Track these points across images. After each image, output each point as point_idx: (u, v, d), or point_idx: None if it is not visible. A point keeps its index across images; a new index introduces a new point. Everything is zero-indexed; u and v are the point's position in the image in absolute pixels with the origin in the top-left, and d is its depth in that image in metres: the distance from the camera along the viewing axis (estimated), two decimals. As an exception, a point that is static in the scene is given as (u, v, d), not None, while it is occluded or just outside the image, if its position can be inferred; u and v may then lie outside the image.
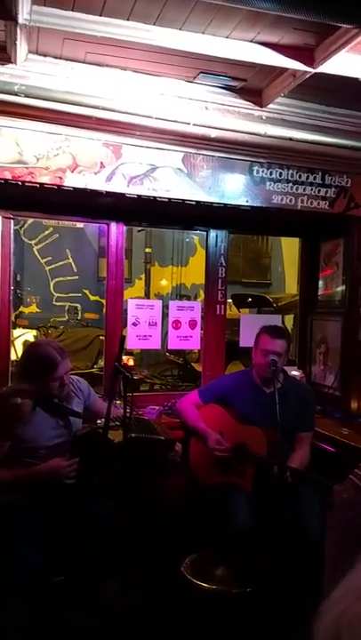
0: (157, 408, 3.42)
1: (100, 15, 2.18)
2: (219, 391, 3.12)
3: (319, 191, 3.32)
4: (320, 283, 3.98)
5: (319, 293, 4.00)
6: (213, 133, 2.90)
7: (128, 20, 2.21)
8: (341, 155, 3.17)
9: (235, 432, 2.92)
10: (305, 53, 2.42)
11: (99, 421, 2.55)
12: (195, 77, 2.76)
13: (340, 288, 3.74)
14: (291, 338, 3.28)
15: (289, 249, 8.14)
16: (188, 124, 2.84)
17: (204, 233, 3.78)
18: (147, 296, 8.97)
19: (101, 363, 4.65)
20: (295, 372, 3.73)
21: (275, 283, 9.44)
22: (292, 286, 7.38)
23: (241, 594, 2.22)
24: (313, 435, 3.05)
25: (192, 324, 3.74)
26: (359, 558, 0.32)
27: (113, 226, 3.50)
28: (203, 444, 2.98)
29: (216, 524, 2.71)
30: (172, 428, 3.10)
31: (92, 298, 8.76)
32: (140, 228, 7.81)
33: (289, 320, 5.43)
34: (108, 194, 2.97)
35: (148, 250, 9.29)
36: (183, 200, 3.11)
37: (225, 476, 2.89)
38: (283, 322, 4.90)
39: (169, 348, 3.86)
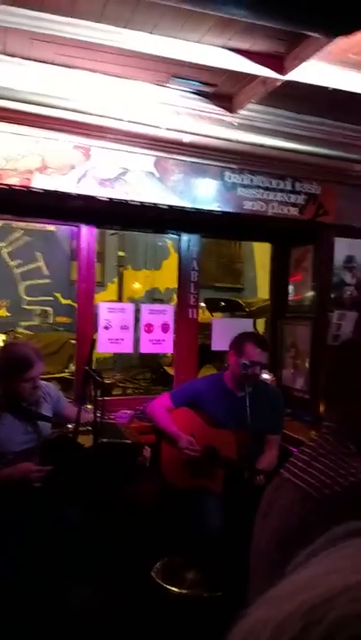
0: (129, 412, 3.40)
1: (70, 17, 2.17)
2: (190, 394, 3.12)
3: (289, 198, 3.36)
4: (291, 288, 4.03)
5: (290, 298, 4.04)
6: (185, 138, 2.92)
7: (99, 22, 2.21)
8: (312, 162, 3.22)
9: (205, 435, 2.93)
10: (275, 61, 2.45)
11: (69, 426, 2.53)
12: (166, 82, 2.76)
13: (310, 293, 3.79)
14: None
15: (261, 254, 8.21)
16: (160, 128, 2.84)
17: (177, 237, 3.79)
18: (120, 300, 8.93)
19: (73, 367, 4.61)
20: (266, 376, 3.75)
21: (247, 287, 9.50)
22: (264, 291, 7.43)
23: (212, 598, 2.22)
24: (282, 437, 3.07)
25: (165, 328, 3.74)
26: (291, 567, 0.33)
27: (84, 229, 3.48)
28: (174, 448, 2.97)
29: (187, 528, 2.71)
30: (143, 432, 3.09)
31: (64, 301, 8.65)
32: (112, 232, 7.78)
33: (261, 324, 5.47)
34: (79, 196, 2.95)
35: (121, 253, 9.24)
36: (155, 204, 3.12)
37: (196, 479, 2.89)
38: (254, 326, 4.93)
39: (141, 351, 3.83)
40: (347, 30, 1.73)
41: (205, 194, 3.21)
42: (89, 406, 2.65)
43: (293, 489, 0.98)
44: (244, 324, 3.91)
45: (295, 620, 0.28)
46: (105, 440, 2.42)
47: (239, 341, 2.99)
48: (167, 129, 2.86)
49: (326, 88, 2.59)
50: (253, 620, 0.30)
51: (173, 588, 2.22)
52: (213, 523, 2.61)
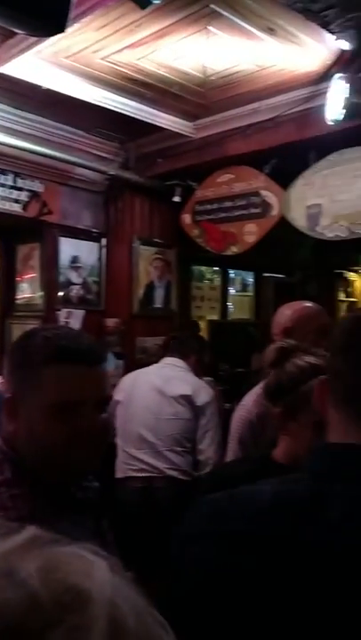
0: None
1: None
2: None
3: (11, 193, 3.26)
4: (22, 286, 3.93)
5: (21, 297, 3.94)
6: None
7: None
8: (33, 160, 3.20)
9: None
10: (-14, 51, 2.36)
11: None
12: None
13: (40, 292, 3.76)
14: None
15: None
16: None
17: None
18: None
19: None
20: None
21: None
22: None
23: None
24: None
25: None
26: None
27: None
28: None
29: None
30: None
31: None
32: None
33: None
34: None
35: None
36: None
37: None
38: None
39: None
40: (48, 32, 1.75)
41: None
42: None
43: None
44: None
45: None
46: None
47: None
48: None
49: (43, 87, 2.61)
50: None
51: None
52: None
